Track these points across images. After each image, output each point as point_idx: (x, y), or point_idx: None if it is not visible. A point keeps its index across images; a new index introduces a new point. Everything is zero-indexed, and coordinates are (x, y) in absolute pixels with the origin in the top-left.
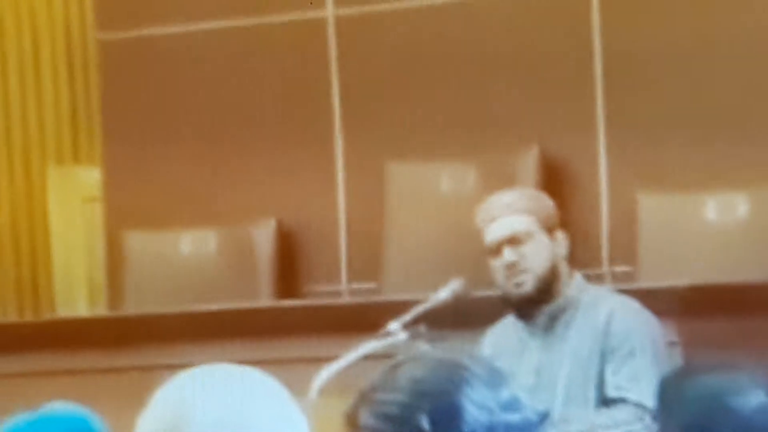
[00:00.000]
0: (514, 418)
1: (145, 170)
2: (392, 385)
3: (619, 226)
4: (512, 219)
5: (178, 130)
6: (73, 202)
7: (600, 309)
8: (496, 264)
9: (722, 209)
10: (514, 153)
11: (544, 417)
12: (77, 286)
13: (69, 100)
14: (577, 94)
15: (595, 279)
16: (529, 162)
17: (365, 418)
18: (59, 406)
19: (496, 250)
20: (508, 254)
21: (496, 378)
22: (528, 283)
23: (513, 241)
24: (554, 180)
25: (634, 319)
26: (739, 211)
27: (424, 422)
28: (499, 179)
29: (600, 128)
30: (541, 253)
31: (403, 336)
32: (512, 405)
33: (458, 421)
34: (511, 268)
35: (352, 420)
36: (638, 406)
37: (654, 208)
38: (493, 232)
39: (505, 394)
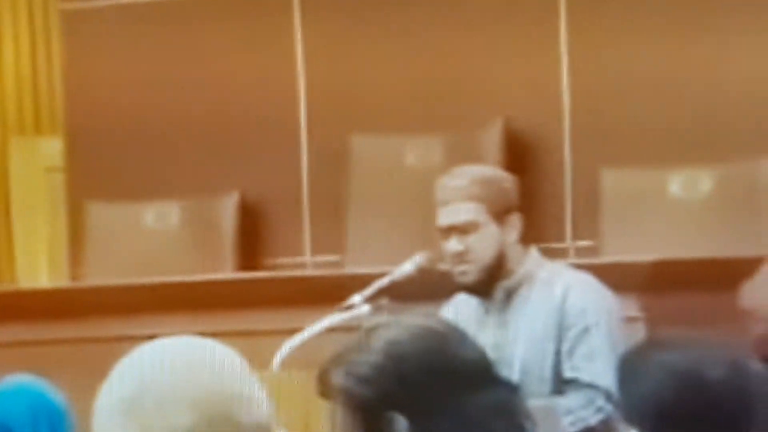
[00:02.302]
0: (492, 394)
1: (108, 141)
2: (367, 346)
3: (583, 200)
4: (460, 207)
5: (141, 101)
6: (35, 172)
7: (556, 285)
8: (445, 249)
9: (686, 185)
10: (479, 126)
11: (517, 388)
12: (39, 257)
13: (30, 70)
14: (542, 68)
15: (558, 253)
16: (493, 135)
17: (338, 378)
18: (18, 379)
19: (445, 235)
20: (453, 243)
21: (469, 344)
22: (471, 274)
23: (459, 230)
24: (519, 154)
25: (590, 296)
26: (702, 186)
27: (397, 385)
28: (464, 153)
29: (565, 103)
30: (486, 243)
31: (365, 309)
32: (486, 372)
33: (432, 385)
34: (457, 257)
35: (324, 381)
36: (590, 386)
37: (617, 184)
38: (442, 217)
39: (479, 360)
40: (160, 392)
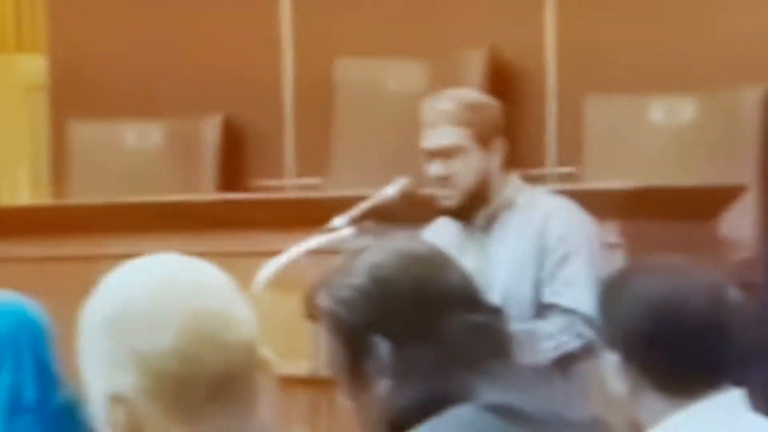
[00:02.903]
0: (477, 317)
1: (91, 59)
2: (351, 269)
3: (566, 127)
4: (446, 131)
5: (126, 19)
6: (17, 90)
7: (536, 211)
8: (429, 172)
9: (668, 112)
10: (464, 51)
11: (500, 311)
12: (20, 175)
13: None
14: None
15: (540, 179)
16: (478, 61)
17: (322, 300)
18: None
19: (430, 158)
20: (436, 167)
21: (452, 268)
22: (453, 198)
23: (444, 153)
24: (503, 79)
25: (570, 222)
26: (685, 113)
27: (380, 308)
28: (448, 78)
29: (549, 28)
30: (470, 168)
31: (348, 231)
32: (469, 296)
33: (415, 308)
34: (439, 181)
35: (309, 302)
36: (570, 311)
37: (601, 110)
38: (428, 140)
39: (463, 283)
40: (143, 310)
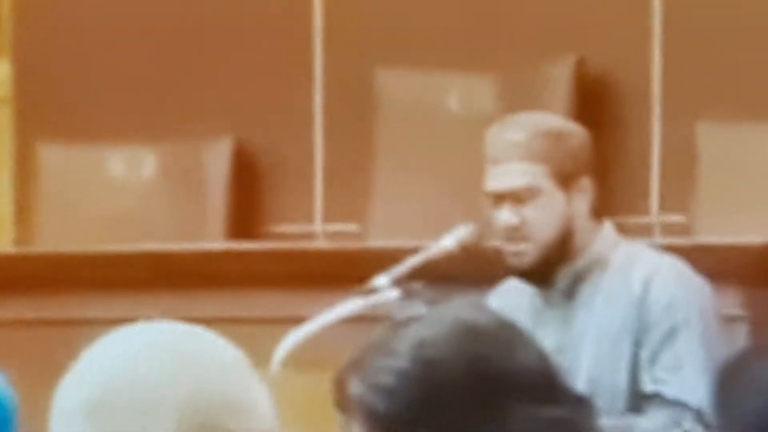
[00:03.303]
0: (556, 411)
1: (67, 65)
2: (392, 347)
3: (674, 163)
4: (517, 168)
5: (111, 15)
6: None
7: (635, 272)
8: (495, 220)
9: None
10: (544, 63)
11: (586, 403)
12: None
13: None
14: None
15: (641, 231)
16: (562, 77)
17: (355, 387)
18: None
19: (496, 203)
20: (506, 215)
21: (525, 346)
22: (527, 255)
23: (514, 197)
24: (594, 102)
25: (678, 287)
26: None
27: (428, 398)
28: (522, 97)
29: (656, 39)
30: (548, 216)
31: (393, 294)
32: (546, 382)
33: (473, 399)
34: (510, 232)
35: (340, 389)
36: (677, 403)
37: (718, 143)
38: (493, 180)
39: (538, 367)
40: (133, 393)
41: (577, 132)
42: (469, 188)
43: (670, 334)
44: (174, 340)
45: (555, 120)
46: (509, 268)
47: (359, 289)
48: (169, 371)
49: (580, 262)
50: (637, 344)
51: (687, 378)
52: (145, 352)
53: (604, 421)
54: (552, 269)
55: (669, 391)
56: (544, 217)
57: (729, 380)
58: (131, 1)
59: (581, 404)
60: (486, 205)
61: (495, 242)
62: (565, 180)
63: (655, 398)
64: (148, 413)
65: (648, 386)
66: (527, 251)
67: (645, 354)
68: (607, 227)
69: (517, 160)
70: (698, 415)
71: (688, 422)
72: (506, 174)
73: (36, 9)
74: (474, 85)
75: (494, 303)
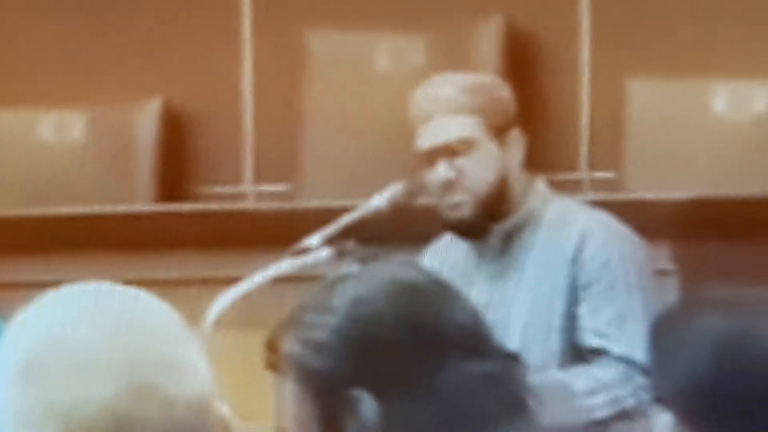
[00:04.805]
0: (485, 366)
1: None
2: (326, 305)
3: (603, 120)
4: (449, 122)
5: None
6: None
7: (569, 228)
8: (430, 177)
9: (734, 101)
10: (472, 22)
11: (516, 358)
12: None
13: None
14: None
15: (570, 187)
16: (491, 35)
17: (289, 344)
18: None
19: (429, 159)
20: (442, 170)
21: (456, 302)
22: (466, 206)
23: (449, 151)
24: (521, 59)
25: (614, 243)
26: (755, 104)
27: (363, 355)
28: (451, 56)
29: None
30: (484, 167)
31: (325, 253)
32: (477, 338)
33: (408, 355)
34: (446, 186)
35: (273, 346)
36: (624, 360)
37: (647, 99)
38: (425, 137)
39: (469, 323)
40: (69, 355)
41: (502, 85)
42: (400, 147)
43: (610, 290)
44: (107, 301)
45: (480, 76)
46: (445, 221)
47: (291, 249)
48: (103, 332)
49: (513, 218)
50: (573, 301)
51: (631, 333)
52: (79, 313)
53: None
54: (487, 223)
55: (615, 347)
56: (479, 168)
57: (662, 335)
58: None
59: (511, 360)
60: (419, 163)
61: (429, 199)
62: (497, 132)
63: (602, 353)
64: (83, 375)
65: (592, 340)
66: (465, 202)
67: (585, 310)
68: (540, 183)
69: (449, 113)
70: (644, 370)
71: (639, 377)
72: (439, 129)
73: None
74: (403, 44)
75: (427, 260)
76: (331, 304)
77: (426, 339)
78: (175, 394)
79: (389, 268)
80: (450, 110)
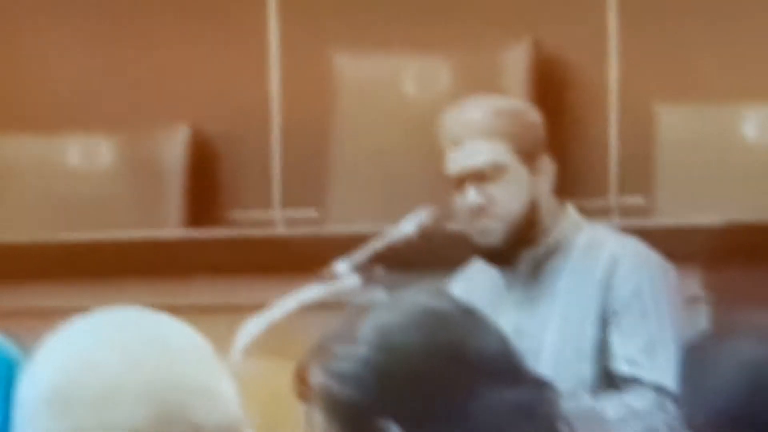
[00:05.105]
0: (516, 394)
1: (18, 53)
2: (353, 335)
3: (632, 145)
4: (479, 146)
5: (66, 2)
6: None
7: (600, 255)
8: (459, 202)
9: (764, 125)
10: (500, 46)
11: (548, 386)
12: None
13: None
14: None
15: (599, 213)
16: (518, 58)
17: (316, 375)
18: None
19: (458, 184)
20: (471, 195)
21: (486, 330)
22: (496, 232)
23: (479, 177)
24: (550, 84)
25: (644, 269)
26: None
27: (391, 385)
28: (479, 80)
29: (611, 20)
30: (514, 192)
31: (353, 280)
32: (507, 366)
33: (436, 385)
34: (476, 212)
35: (301, 377)
36: (656, 387)
37: (676, 123)
38: (455, 162)
39: (499, 351)
40: (96, 381)
41: (532, 110)
42: (428, 171)
43: (641, 317)
44: (136, 327)
45: (510, 100)
46: (475, 248)
47: (319, 276)
48: (131, 358)
49: (543, 245)
50: (604, 328)
51: (662, 361)
52: (106, 338)
53: (568, 404)
54: (517, 249)
55: (647, 374)
56: (510, 193)
57: (693, 362)
58: None
59: (543, 387)
60: (448, 188)
61: (458, 225)
62: (527, 157)
63: (633, 381)
64: (110, 401)
65: (623, 367)
66: (495, 228)
67: (615, 337)
68: (570, 209)
69: (479, 138)
70: (675, 398)
71: (670, 405)
72: (469, 154)
73: None
74: (430, 67)
75: (456, 287)
76: (358, 334)
77: (455, 368)
78: (204, 422)
79: (417, 296)
80: (480, 135)
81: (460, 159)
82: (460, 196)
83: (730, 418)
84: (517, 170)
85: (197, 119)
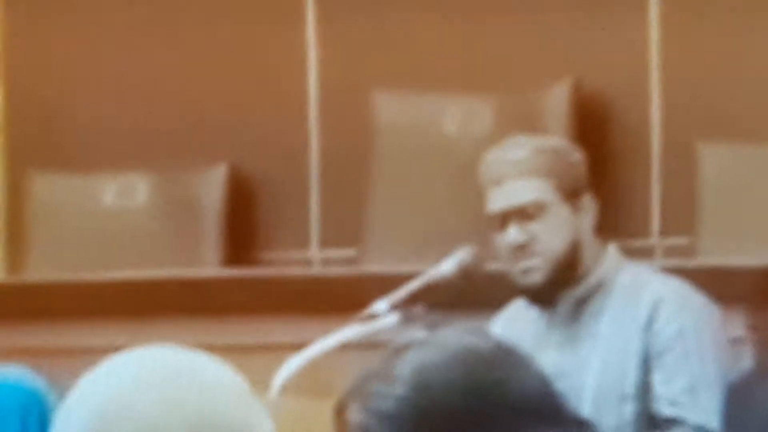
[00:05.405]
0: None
1: (59, 92)
2: (392, 374)
3: (675, 184)
4: (521, 185)
5: (106, 38)
6: None
7: (642, 295)
8: (501, 241)
9: None
10: (541, 86)
11: (590, 428)
12: None
13: None
14: (624, 12)
15: (642, 254)
16: (560, 98)
17: (355, 414)
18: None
19: (500, 223)
20: (514, 233)
21: (527, 371)
22: (538, 271)
23: (521, 215)
24: (591, 123)
25: (688, 310)
26: None
27: (429, 425)
28: (520, 119)
29: (653, 59)
30: (557, 231)
31: (392, 319)
32: (548, 407)
33: (475, 425)
34: (518, 251)
35: (340, 416)
36: (699, 429)
37: (720, 162)
38: (496, 201)
39: (540, 392)
40: (133, 420)
41: (574, 149)
42: (468, 212)
43: (684, 359)
44: (173, 366)
45: (552, 139)
46: (517, 287)
47: (358, 316)
48: (168, 398)
49: (585, 284)
50: (647, 369)
51: (706, 402)
52: (143, 378)
53: None
54: (558, 289)
55: (690, 415)
56: (552, 232)
57: (737, 403)
58: (124, 28)
59: (584, 429)
60: (489, 228)
61: (498, 265)
62: (569, 196)
63: (676, 423)
64: None
65: (666, 409)
66: (537, 267)
67: (658, 378)
68: (611, 249)
69: (521, 176)
70: None
71: None
72: (511, 192)
73: (27, 35)
74: (471, 107)
75: (496, 327)
76: (397, 373)
77: (495, 408)
78: None
79: (456, 336)
80: (522, 173)
81: (502, 197)
82: (501, 236)
83: None
84: (559, 208)
85: (235, 158)
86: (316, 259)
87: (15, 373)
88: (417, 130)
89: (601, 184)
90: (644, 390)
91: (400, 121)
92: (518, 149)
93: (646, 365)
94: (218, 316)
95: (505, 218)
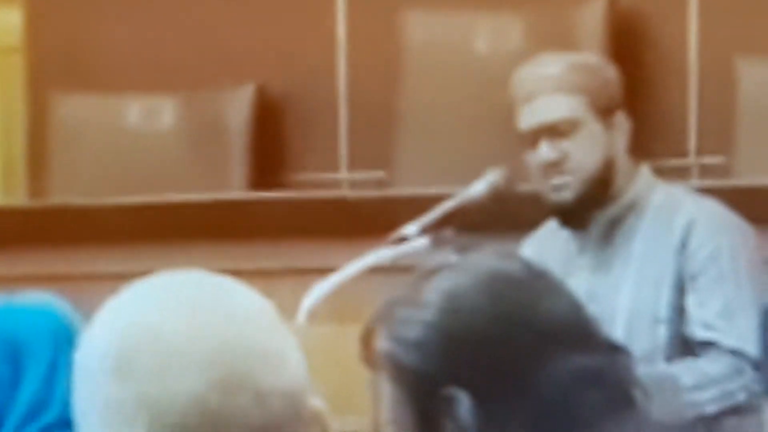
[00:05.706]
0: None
1: (81, 12)
2: (420, 299)
3: (712, 102)
4: (554, 101)
5: None
6: None
7: (676, 216)
8: (532, 159)
9: None
10: (574, 2)
11: (623, 351)
12: None
13: None
14: None
15: (678, 173)
16: (594, 15)
17: (381, 341)
18: (36, 297)
19: (532, 140)
20: (545, 150)
21: (558, 293)
22: (569, 188)
23: (553, 131)
24: (626, 40)
25: (723, 232)
26: None
27: (458, 352)
28: (552, 36)
29: None
30: (590, 148)
31: (422, 242)
32: (580, 331)
33: (505, 351)
34: (549, 168)
35: (366, 342)
36: (735, 353)
37: (759, 78)
38: (528, 117)
39: (571, 315)
40: (160, 346)
41: (608, 65)
42: (499, 131)
43: (719, 281)
44: (199, 291)
45: (585, 55)
46: (548, 207)
47: (387, 239)
48: (195, 323)
49: (617, 205)
50: (680, 292)
51: (741, 326)
52: (169, 303)
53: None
54: (590, 208)
55: (726, 339)
56: (585, 149)
57: None
58: None
59: (617, 352)
60: (520, 147)
61: (530, 185)
62: (603, 113)
63: (711, 346)
64: (173, 368)
65: (700, 332)
66: (568, 184)
67: (692, 301)
68: (645, 170)
69: (553, 92)
70: (755, 364)
71: (749, 370)
72: (543, 108)
73: None
74: (502, 25)
75: (527, 250)
76: (424, 299)
77: (526, 333)
78: (269, 387)
79: (486, 259)
80: (554, 89)
81: (533, 114)
82: (532, 153)
83: None
84: (592, 126)
85: (262, 78)
86: (344, 181)
87: (42, 297)
88: (447, 49)
89: (636, 103)
90: (678, 313)
91: (430, 39)
92: (551, 65)
93: (679, 288)
94: (245, 241)
95: (536, 136)
